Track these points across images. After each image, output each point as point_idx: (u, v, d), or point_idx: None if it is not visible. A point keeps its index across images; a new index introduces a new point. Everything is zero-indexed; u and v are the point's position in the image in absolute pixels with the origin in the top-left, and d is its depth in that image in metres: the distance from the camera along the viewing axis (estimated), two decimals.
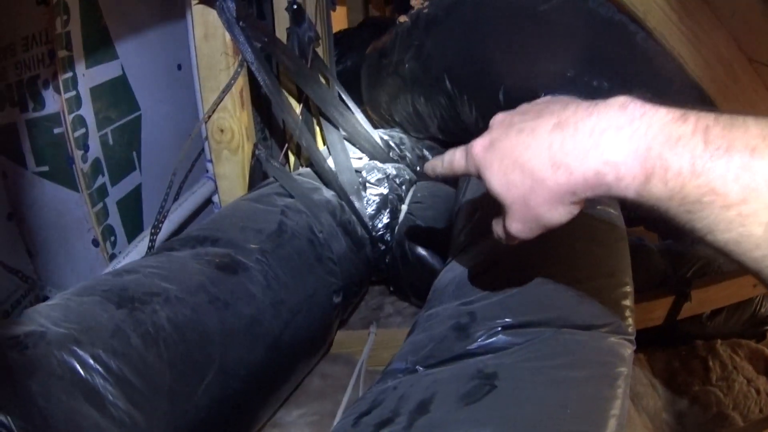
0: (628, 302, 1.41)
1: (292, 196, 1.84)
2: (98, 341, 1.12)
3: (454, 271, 1.60)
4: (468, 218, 1.82)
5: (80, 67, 1.92)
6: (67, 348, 1.09)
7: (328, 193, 1.98)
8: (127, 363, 1.13)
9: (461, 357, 1.25)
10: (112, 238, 2.11)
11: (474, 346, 1.26)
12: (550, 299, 1.35)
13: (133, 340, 1.18)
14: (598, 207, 1.73)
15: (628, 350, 1.27)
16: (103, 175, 2.05)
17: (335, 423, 1.53)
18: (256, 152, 1.92)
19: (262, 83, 1.82)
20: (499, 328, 1.27)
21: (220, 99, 1.81)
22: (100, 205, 2.05)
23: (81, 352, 1.09)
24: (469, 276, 1.50)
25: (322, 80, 2.23)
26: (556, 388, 1.13)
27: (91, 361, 1.09)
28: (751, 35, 1.84)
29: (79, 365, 1.08)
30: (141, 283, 1.33)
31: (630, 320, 1.36)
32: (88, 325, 1.15)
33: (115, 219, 2.11)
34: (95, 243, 2.05)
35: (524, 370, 1.17)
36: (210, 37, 1.81)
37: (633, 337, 1.32)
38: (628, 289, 1.46)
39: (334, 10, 2.51)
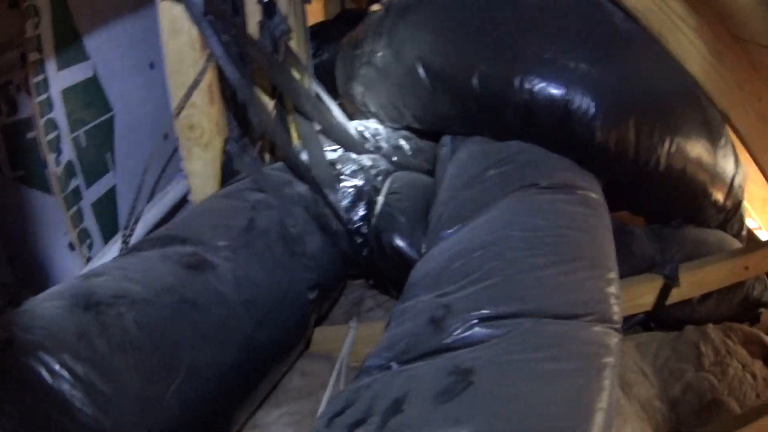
0: (612, 289, 1.37)
1: (264, 191, 1.80)
2: (64, 346, 1.10)
3: (429, 263, 1.57)
4: (445, 208, 1.79)
5: (52, 70, 1.89)
6: (33, 354, 1.07)
7: (302, 187, 1.94)
8: (93, 368, 1.11)
9: (437, 352, 1.21)
10: (89, 241, 2.08)
11: (449, 340, 1.22)
12: (529, 289, 1.31)
13: (99, 345, 1.15)
14: (579, 192, 1.70)
15: (614, 339, 1.24)
16: (77, 178, 2.03)
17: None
18: (228, 148, 1.89)
19: (230, 78, 1.78)
20: (476, 321, 1.23)
21: (189, 95, 1.77)
22: (75, 208, 2.02)
23: (48, 358, 1.07)
24: (445, 267, 1.46)
25: (296, 73, 2.19)
26: (537, 382, 1.09)
27: (58, 367, 1.07)
28: (735, 13, 1.80)
29: (46, 371, 1.06)
30: (108, 286, 1.29)
31: (615, 308, 1.32)
32: (55, 331, 1.13)
33: (90, 222, 2.08)
34: (72, 247, 2.02)
35: (503, 364, 1.13)
36: (177, 33, 1.77)
37: (619, 325, 1.29)
38: (613, 275, 1.42)
39: (309, 2, 2.47)
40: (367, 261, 2.06)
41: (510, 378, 1.10)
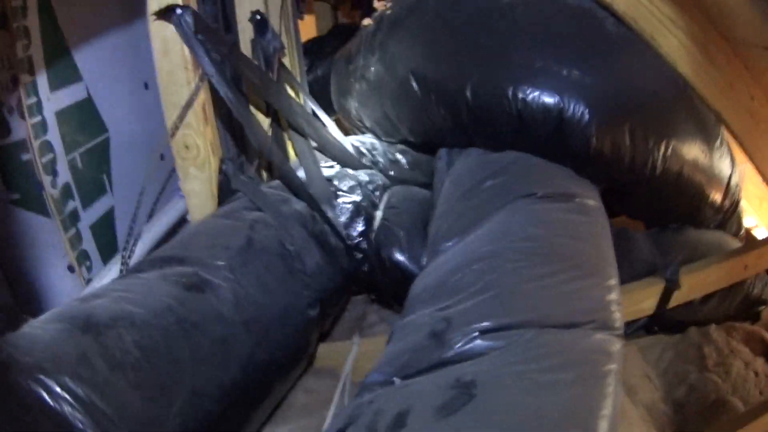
0: (613, 296, 1.37)
1: (261, 210, 1.80)
2: (65, 369, 1.09)
3: (429, 276, 1.56)
4: (443, 220, 1.79)
5: (44, 92, 1.89)
6: (33, 377, 1.06)
7: (299, 205, 1.94)
8: (94, 390, 1.10)
9: (438, 366, 1.21)
10: (88, 263, 2.08)
11: (450, 353, 1.21)
12: (529, 299, 1.31)
13: (99, 367, 1.14)
14: (577, 200, 1.69)
15: (616, 346, 1.23)
16: (74, 200, 2.02)
17: None
18: (224, 167, 1.88)
19: (224, 96, 1.78)
20: (476, 333, 1.23)
21: (183, 115, 1.77)
22: (74, 230, 2.02)
23: (48, 381, 1.06)
24: (444, 280, 1.46)
25: (290, 90, 2.19)
26: (539, 392, 1.08)
27: (58, 390, 1.06)
28: (725, 13, 1.81)
29: (47, 394, 1.05)
30: (107, 307, 1.29)
31: (617, 314, 1.32)
32: (55, 353, 1.12)
33: (89, 243, 2.08)
34: (71, 269, 2.01)
35: (504, 376, 1.12)
36: (169, 52, 1.77)
37: (621, 332, 1.28)
38: (613, 282, 1.42)
39: (302, 19, 2.47)
40: (368, 276, 2.05)
41: (512, 389, 1.09)
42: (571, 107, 1.81)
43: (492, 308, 1.29)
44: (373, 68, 2.26)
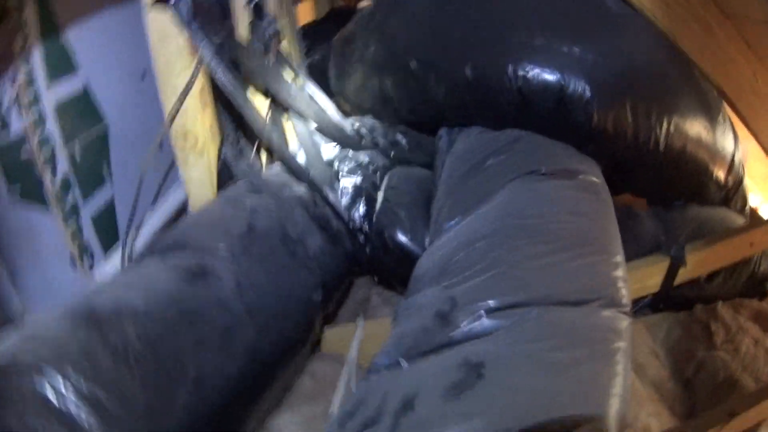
0: (619, 272, 1.35)
1: (262, 195, 1.79)
2: (68, 365, 1.09)
3: (432, 255, 1.55)
4: (446, 200, 1.77)
5: (42, 84, 1.88)
6: (38, 376, 1.06)
7: (300, 188, 1.93)
8: (99, 385, 1.10)
9: (445, 346, 1.20)
10: (89, 254, 2.07)
11: (457, 333, 1.21)
12: (534, 276, 1.29)
13: (103, 361, 1.13)
14: (580, 177, 1.68)
15: (624, 323, 1.22)
16: (75, 192, 2.01)
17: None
18: (223, 153, 1.87)
19: (222, 82, 1.76)
20: (482, 312, 1.22)
21: (181, 102, 1.75)
22: (74, 222, 2.00)
23: (52, 379, 1.06)
24: (448, 259, 1.45)
25: (289, 74, 2.17)
26: (548, 372, 1.07)
27: (63, 388, 1.06)
28: None
29: (52, 393, 1.05)
30: (110, 301, 1.28)
31: (623, 291, 1.30)
32: (58, 350, 1.12)
33: (90, 235, 2.07)
34: (73, 261, 2.00)
35: (512, 355, 1.12)
36: (166, 39, 1.75)
37: (628, 309, 1.27)
38: (619, 258, 1.40)
39: (300, 2, 2.45)
40: (370, 258, 2.04)
41: (520, 369, 1.09)
42: (572, 84, 1.80)
43: (497, 286, 1.28)
44: (372, 48, 2.24)
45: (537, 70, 1.83)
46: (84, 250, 2.03)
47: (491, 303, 1.23)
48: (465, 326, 1.21)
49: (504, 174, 1.73)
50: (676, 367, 1.92)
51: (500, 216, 1.54)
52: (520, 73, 1.84)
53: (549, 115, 1.87)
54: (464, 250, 1.43)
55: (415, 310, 1.36)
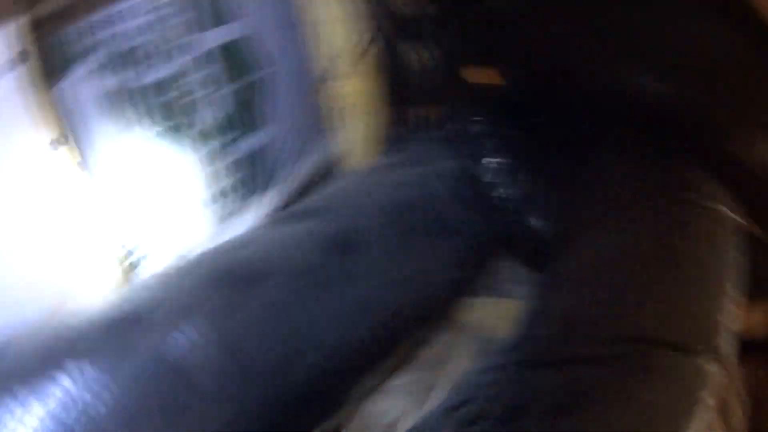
0: (726, 316, 1.33)
1: (410, 167, 1.75)
2: (197, 325, 1.13)
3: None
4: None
5: (199, 30, 1.89)
6: (167, 331, 1.11)
7: (449, 162, 1.92)
8: (225, 350, 1.15)
9: (558, 364, 1.23)
10: (229, 201, 2.09)
11: (569, 355, 1.24)
12: (648, 311, 1.30)
13: (232, 325, 1.19)
14: (705, 203, 1.60)
15: (718, 372, 1.22)
16: (223, 135, 2.03)
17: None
18: (378, 117, 1.82)
19: (383, 41, 1.69)
20: (598, 339, 1.25)
21: (336, 60, 1.70)
22: (217, 165, 2.03)
23: (177, 336, 1.11)
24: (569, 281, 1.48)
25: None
26: (642, 412, 1.12)
27: (186, 343, 1.11)
28: None
29: (176, 349, 1.10)
30: (248, 261, 1.36)
31: (726, 338, 1.28)
32: (189, 309, 1.17)
33: (232, 180, 2.09)
34: (210, 205, 2.03)
35: (617, 390, 1.15)
36: None
37: (729, 358, 1.26)
38: (728, 301, 1.37)
39: None
40: (509, 236, 1.99)
41: (621, 404, 1.13)
42: None
43: (613, 316, 1.30)
44: None
45: None
46: (223, 196, 2.06)
47: (605, 333, 1.26)
48: (580, 350, 1.24)
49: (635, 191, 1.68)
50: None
51: (630, 239, 1.52)
52: None
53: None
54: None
55: (540, 320, 1.39)
